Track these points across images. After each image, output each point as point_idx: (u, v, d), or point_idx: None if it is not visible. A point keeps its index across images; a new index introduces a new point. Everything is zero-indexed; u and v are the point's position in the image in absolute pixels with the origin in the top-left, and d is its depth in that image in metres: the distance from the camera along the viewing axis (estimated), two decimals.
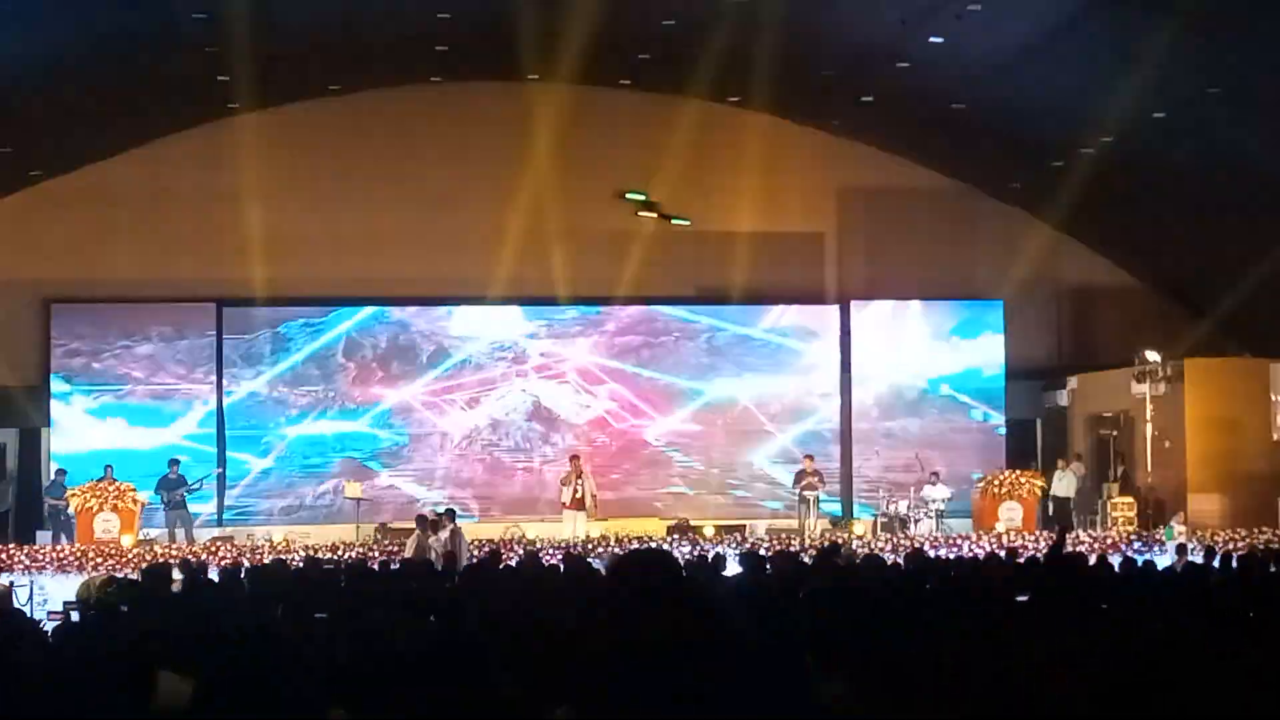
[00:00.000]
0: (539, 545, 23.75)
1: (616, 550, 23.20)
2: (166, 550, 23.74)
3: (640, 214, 29.92)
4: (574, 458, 27.32)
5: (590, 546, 23.92)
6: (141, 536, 25.64)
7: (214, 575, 16.88)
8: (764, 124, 29.89)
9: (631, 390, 30.13)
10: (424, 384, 29.78)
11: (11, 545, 24.32)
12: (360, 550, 23.70)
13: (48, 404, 28.78)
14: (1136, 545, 24.84)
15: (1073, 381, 31.18)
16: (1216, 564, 17.50)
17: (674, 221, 30.03)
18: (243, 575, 15.40)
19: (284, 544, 24.41)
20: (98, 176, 29.26)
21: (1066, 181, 27.16)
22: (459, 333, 29.91)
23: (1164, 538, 25.21)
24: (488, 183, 29.34)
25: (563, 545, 23.88)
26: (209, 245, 29.14)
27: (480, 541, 24.05)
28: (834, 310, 30.61)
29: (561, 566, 16.93)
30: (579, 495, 26.44)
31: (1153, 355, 27.96)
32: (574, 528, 25.97)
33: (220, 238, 29.15)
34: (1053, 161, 27.58)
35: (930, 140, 29.66)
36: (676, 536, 25.31)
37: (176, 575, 15.13)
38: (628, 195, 30.05)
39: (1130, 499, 27.42)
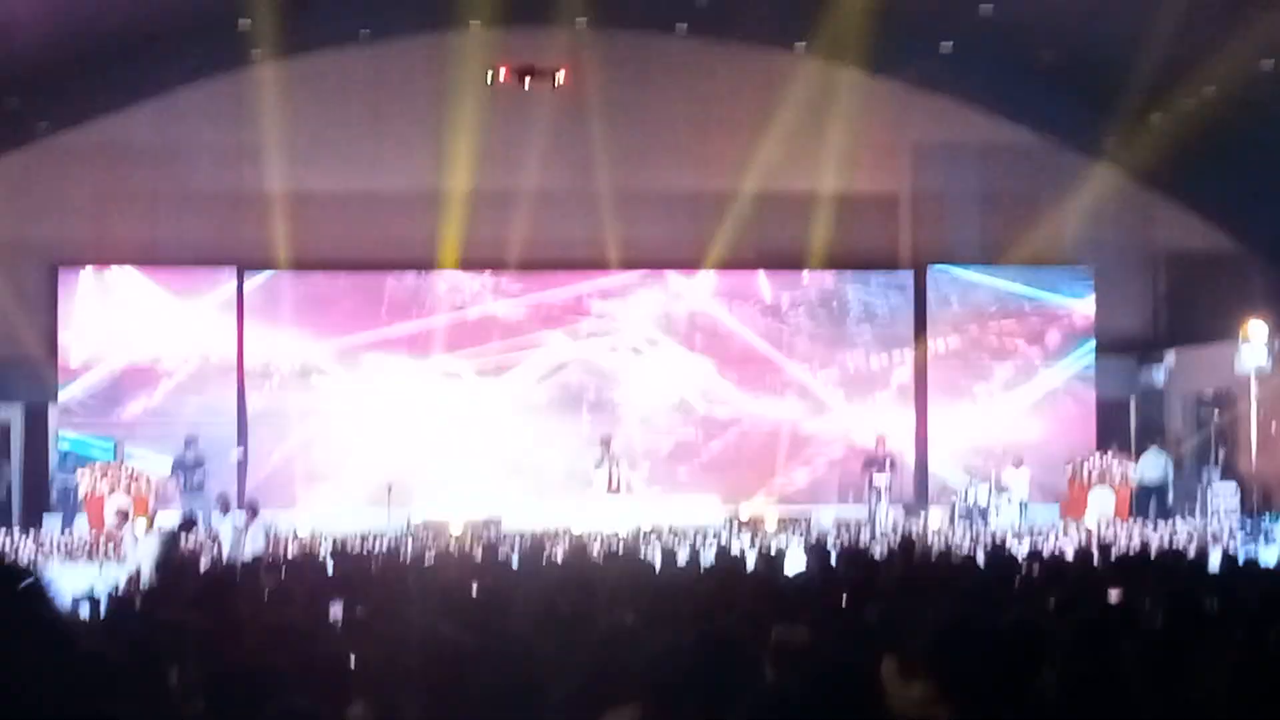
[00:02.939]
0: (585, 536, 23.73)
1: (673, 538, 23.20)
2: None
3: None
4: (606, 438, 27.37)
5: (642, 538, 23.89)
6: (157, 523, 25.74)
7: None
8: (833, 74, 29.74)
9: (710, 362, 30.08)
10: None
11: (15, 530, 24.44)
12: (392, 541, 23.72)
13: (55, 378, 28.84)
14: (1240, 536, 24.67)
15: (1170, 357, 30.95)
16: None
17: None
18: (266, 566, 15.45)
19: (310, 534, 24.43)
20: (109, 130, 29.32)
21: (1164, 137, 26.94)
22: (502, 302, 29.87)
23: (1269, 527, 25.00)
24: (530, 137, 29.25)
25: (608, 537, 23.87)
26: (229, 205, 29.17)
27: (521, 533, 24.13)
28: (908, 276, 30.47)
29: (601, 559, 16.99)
30: (615, 482, 26.49)
31: (1258, 328, 27.72)
32: (615, 516, 25.97)
33: (241, 197, 29.18)
34: (1149, 115, 27.35)
35: (1014, 92, 29.45)
36: (735, 526, 25.25)
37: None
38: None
39: (1233, 485, 27.23)
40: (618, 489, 26.58)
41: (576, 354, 29.93)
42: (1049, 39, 26.44)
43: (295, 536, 23.96)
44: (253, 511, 22.63)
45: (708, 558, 16.49)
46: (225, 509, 22.49)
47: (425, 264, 29.64)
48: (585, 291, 30.01)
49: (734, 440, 30.10)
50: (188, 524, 21.09)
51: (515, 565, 15.40)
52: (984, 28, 25.87)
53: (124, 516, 23.08)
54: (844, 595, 11.37)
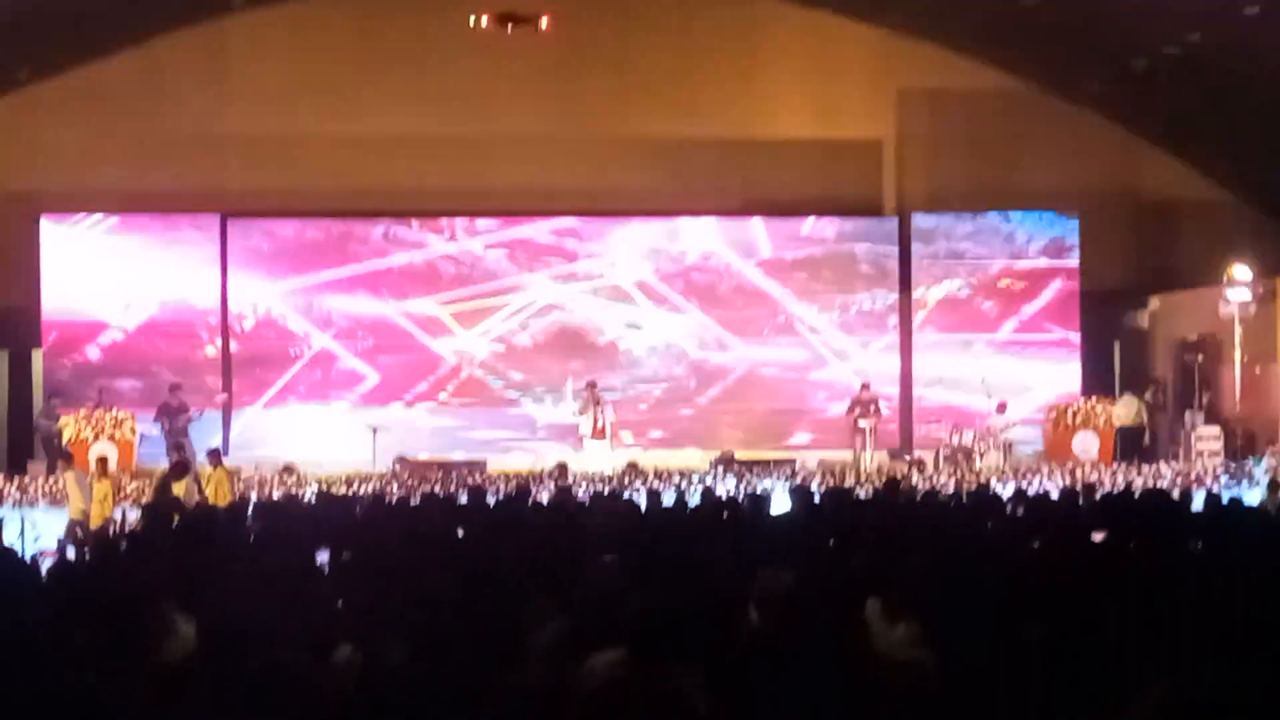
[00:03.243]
0: (571, 479, 23.75)
1: (656, 485, 23.21)
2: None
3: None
4: (591, 384, 27.39)
5: (626, 480, 23.94)
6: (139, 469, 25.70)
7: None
8: (815, 21, 29.66)
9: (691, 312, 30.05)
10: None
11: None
12: (378, 484, 23.72)
13: (38, 325, 28.76)
14: (1224, 479, 24.71)
15: (1154, 302, 30.98)
16: None
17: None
18: (250, 511, 15.43)
19: (295, 478, 24.43)
20: (90, 78, 29.17)
21: (1148, 84, 26.87)
22: (486, 248, 29.81)
23: (1253, 470, 25.04)
24: (512, 84, 29.15)
25: (594, 479, 23.92)
26: (212, 153, 29.07)
27: (507, 475, 24.20)
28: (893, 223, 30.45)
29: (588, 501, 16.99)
30: (600, 426, 26.52)
31: (1242, 272, 27.72)
32: (601, 459, 26.02)
33: (224, 145, 29.09)
34: (1133, 61, 27.27)
35: (998, 38, 29.36)
36: (720, 470, 25.26)
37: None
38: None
39: (1216, 429, 27.30)
40: (603, 433, 26.61)
41: (560, 298, 29.88)
42: None
43: (280, 482, 23.92)
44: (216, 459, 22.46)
45: (693, 500, 16.47)
46: (216, 462, 22.40)
47: (408, 210, 29.55)
48: (568, 237, 29.92)
49: (720, 385, 30.09)
50: (181, 467, 21.06)
51: (500, 509, 15.36)
52: None
53: (68, 462, 22.91)
54: (829, 538, 11.38)
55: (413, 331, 29.59)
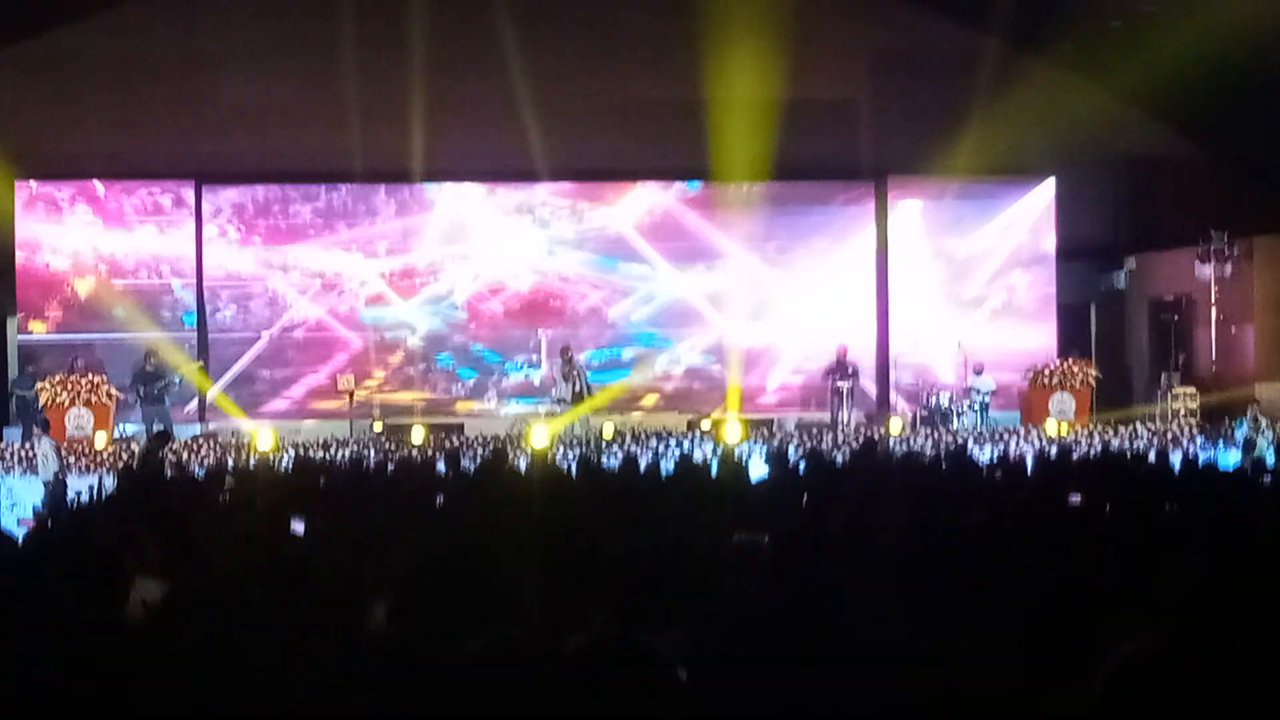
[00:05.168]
0: (551, 446, 23.76)
1: (634, 449, 23.24)
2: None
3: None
4: (565, 348, 27.41)
5: (606, 445, 23.96)
6: (117, 435, 25.71)
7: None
8: None
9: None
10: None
11: None
12: (354, 449, 23.73)
13: (13, 289, 28.65)
14: (1199, 440, 24.79)
15: (1130, 262, 31.06)
16: None
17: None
18: (227, 475, 15.45)
19: (272, 442, 24.41)
20: (64, 42, 29.02)
21: (1125, 42, 26.84)
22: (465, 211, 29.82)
23: (1233, 431, 25.11)
24: (483, 50, 28.94)
25: (573, 444, 23.96)
26: (187, 118, 28.97)
27: (483, 437, 24.23)
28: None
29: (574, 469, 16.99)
30: (578, 390, 26.53)
31: (1218, 234, 27.80)
32: (581, 423, 26.07)
33: (199, 109, 28.99)
34: (1110, 21, 27.25)
35: None
36: (698, 434, 25.28)
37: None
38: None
39: (1193, 389, 27.39)
40: (581, 398, 26.60)
41: (539, 264, 29.89)
42: None
43: (256, 447, 23.90)
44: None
45: (669, 465, 16.49)
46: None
47: (383, 174, 29.46)
48: (550, 200, 29.91)
49: (699, 349, 30.15)
50: (163, 436, 21.03)
51: (477, 473, 15.37)
52: None
53: (44, 429, 22.74)
54: (806, 501, 11.42)
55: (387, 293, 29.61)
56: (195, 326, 29.10)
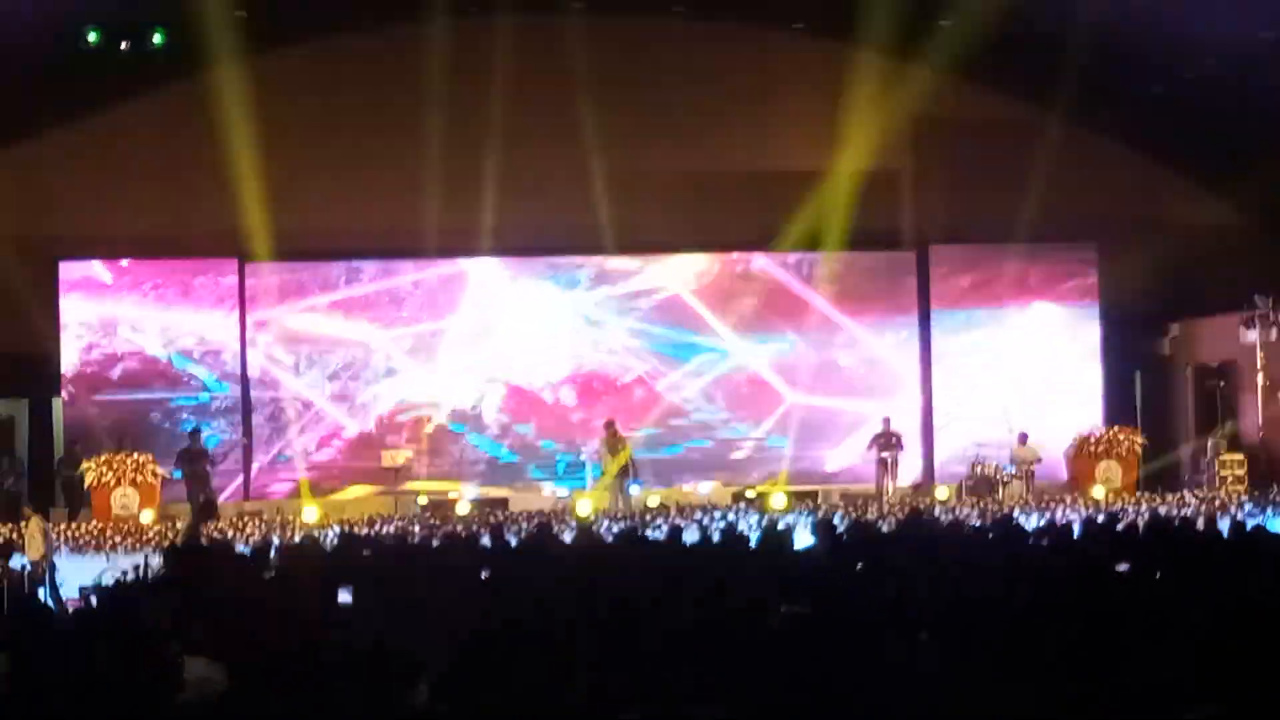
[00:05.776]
0: (596, 519, 23.77)
1: (679, 522, 23.21)
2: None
3: None
4: (610, 423, 27.39)
5: (649, 518, 23.93)
6: (163, 513, 25.76)
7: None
8: (828, 52, 29.62)
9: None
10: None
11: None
12: (399, 524, 23.73)
13: (58, 372, 28.80)
14: (1248, 507, 24.66)
15: (1175, 328, 30.95)
16: None
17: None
18: (273, 553, 15.47)
19: (317, 516, 24.43)
20: (108, 126, 29.20)
21: (1166, 110, 26.85)
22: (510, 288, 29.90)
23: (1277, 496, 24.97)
24: (523, 122, 28.94)
25: (621, 518, 23.96)
26: (230, 197, 29.05)
27: (529, 513, 24.22)
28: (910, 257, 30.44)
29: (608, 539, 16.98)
30: (625, 465, 26.56)
31: (1263, 299, 27.72)
32: (626, 499, 26.09)
33: (242, 188, 29.08)
34: (1151, 88, 27.26)
35: (1013, 66, 29.36)
36: (743, 506, 25.26)
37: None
38: None
39: (1240, 456, 27.25)
40: (627, 473, 26.60)
41: (583, 341, 29.91)
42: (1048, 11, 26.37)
43: (302, 524, 23.93)
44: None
45: (716, 537, 16.47)
46: None
47: (411, 250, 29.50)
48: (591, 273, 29.95)
49: (742, 422, 30.12)
50: (208, 508, 21.06)
51: (523, 548, 15.37)
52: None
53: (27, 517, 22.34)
54: (853, 571, 11.39)
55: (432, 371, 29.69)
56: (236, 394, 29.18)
